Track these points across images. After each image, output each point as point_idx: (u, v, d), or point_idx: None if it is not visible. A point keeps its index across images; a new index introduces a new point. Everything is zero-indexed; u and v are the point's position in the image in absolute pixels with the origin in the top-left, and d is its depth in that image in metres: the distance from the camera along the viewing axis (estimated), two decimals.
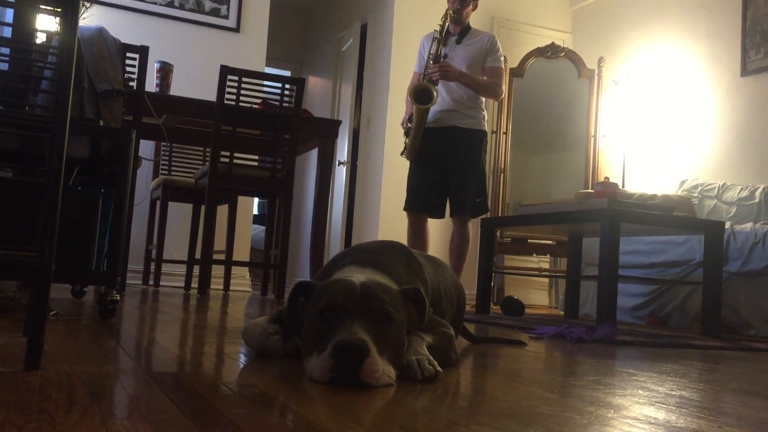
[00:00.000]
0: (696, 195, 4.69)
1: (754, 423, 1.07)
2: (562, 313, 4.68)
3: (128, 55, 3.29)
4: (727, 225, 3.82)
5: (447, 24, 4.14)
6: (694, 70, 5.14)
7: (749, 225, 3.84)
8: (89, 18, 3.97)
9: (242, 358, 1.47)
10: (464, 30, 4.21)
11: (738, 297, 3.75)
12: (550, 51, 5.57)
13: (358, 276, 1.33)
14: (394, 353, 1.23)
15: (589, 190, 4.75)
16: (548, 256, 5.75)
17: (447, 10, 4.13)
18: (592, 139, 5.49)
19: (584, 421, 0.99)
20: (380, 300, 1.24)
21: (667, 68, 5.34)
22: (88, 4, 4.03)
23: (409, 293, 1.35)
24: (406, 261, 1.55)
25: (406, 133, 4.19)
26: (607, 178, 4.33)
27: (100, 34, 2.38)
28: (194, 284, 4.26)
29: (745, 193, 4.42)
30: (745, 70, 4.74)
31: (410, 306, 1.35)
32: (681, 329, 3.88)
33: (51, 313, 2.08)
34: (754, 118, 4.67)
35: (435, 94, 3.95)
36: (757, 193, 4.34)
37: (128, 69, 3.33)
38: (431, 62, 4.06)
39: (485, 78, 4.15)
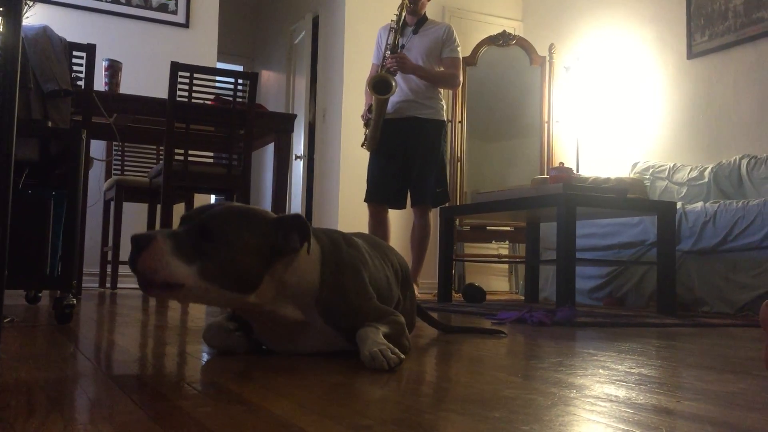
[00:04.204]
0: (648, 177, 4.79)
1: (710, 396, 1.10)
2: (523, 297, 4.74)
3: (75, 53, 3.21)
4: (679, 205, 3.91)
5: (404, 14, 4.15)
6: (642, 54, 5.24)
7: (699, 204, 3.94)
8: (32, 17, 3.87)
9: (205, 357, 1.45)
10: (420, 20, 4.22)
11: (691, 275, 3.85)
12: (502, 39, 5.62)
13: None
14: (218, 269, 1.24)
15: (545, 176, 4.82)
16: (507, 242, 5.81)
17: (403, 0, 4.14)
18: (546, 125, 5.56)
19: (548, 402, 1.01)
20: (214, 216, 1.26)
21: (616, 53, 5.44)
22: (31, 3, 3.93)
23: (287, 220, 1.33)
24: (342, 237, 1.53)
25: (366, 125, 4.19)
26: (561, 163, 4.39)
27: (45, 33, 2.32)
28: None
29: (694, 174, 4.53)
30: (691, 53, 4.85)
31: (290, 233, 1.32)
32: (638, 308, 3.97)
33: (5, 320, 2.02)
34: (701, 99, 4.79)
35: (394, 84, 3.95)
36: (706, 173, 4.45)
37: (75, 68, 3.25)
38: (389, 53, 4.07)
39: (442, 69, 4.17)
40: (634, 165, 4.99)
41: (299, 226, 1.32)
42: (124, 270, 4.64)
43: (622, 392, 1.11)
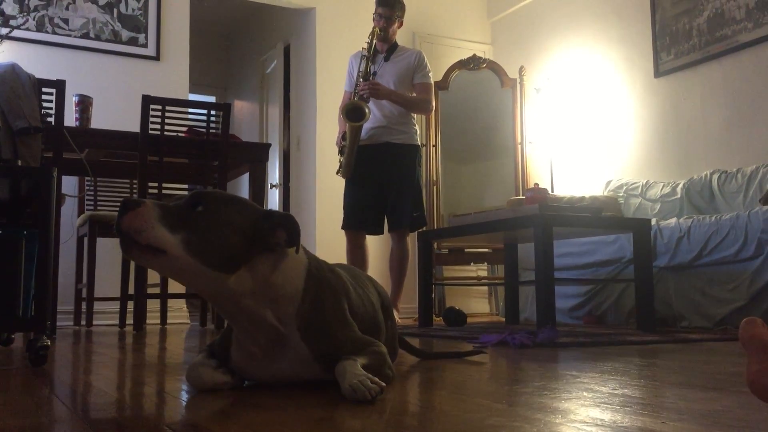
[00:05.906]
0: (621, 194, 4.84)
1: (695, 415, 1.10)
2: (504, 319, 4.74)
3: (44, 90, 3.19)
4: (653, 222, 3.95)
5: (374, 42, 4.18)
6: (610, 74, 5.32)
7: (673, 220, 3.98)
8: (0, 55, 3.84)
9: (184, 396, 1.43)
10: (391, 47, 4.26)
11: (669, 290, 3.87)
12: (472, 63, 5.68)
13: None
14: (201, 240, 1.26)
15: (521, 197, 4.85)
16: (485, 264, 5.82)
17: (374, 27, 4.17)
18: (519, 146, 5.61)
19: (534, 429, 1.00)
20: (207, 193, 1.32)
21: (585, 73, 5.52)
22: None
23: (277, 215, 1.35)
24: (326, 264, 1.53)
25: (341, 152, 4.20)
26: (536, 184, 4.42)
27: (13, 70, 2.30)
28: (129, 321, 4.14)
29: (667, 190, 4.59)
30: (658, 72, 4.94)
31: (277, 228, 1.34)
32: (617, 326, 3.99)
33: None
34: (669, 117, 4.86)
35: (367, 111, 3.97)
36: (679, 189, 4.51)
37: (45, 104, 3.22)
38: (361, 80, 4.09)
39: (414, 94, 4.20)
40: (608, 183, 5.04)
41: (288, 225, 1.35)
42: (99, 307, 4.57)
43: (607, 415, 1.10)
